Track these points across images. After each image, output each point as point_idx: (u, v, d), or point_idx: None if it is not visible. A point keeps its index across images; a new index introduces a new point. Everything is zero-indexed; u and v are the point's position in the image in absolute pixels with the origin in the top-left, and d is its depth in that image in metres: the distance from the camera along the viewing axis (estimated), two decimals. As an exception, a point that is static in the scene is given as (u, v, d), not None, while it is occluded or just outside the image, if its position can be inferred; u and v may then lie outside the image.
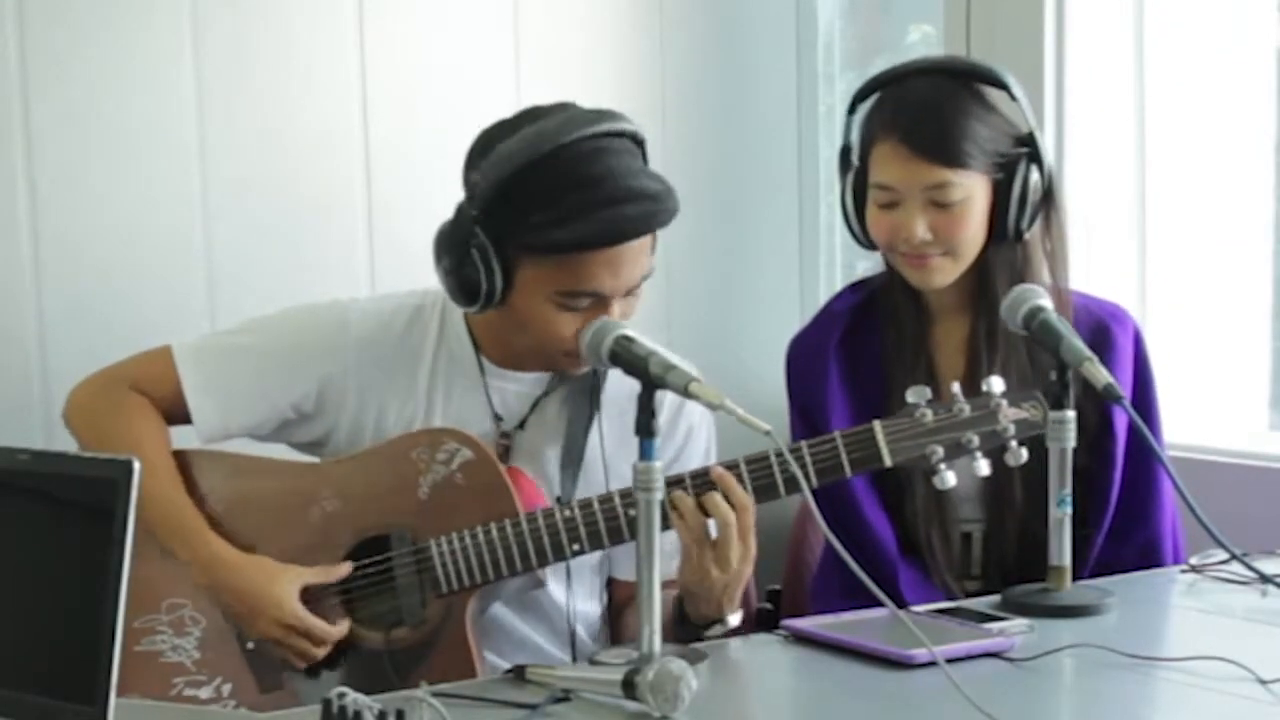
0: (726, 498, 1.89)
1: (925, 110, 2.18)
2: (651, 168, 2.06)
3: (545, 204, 1.95)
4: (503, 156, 1.96)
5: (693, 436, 2.22)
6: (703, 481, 1.92)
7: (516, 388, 2.16)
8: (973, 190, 2.17)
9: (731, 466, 1.94)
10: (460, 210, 2.01)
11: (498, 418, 2.15)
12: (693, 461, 2.22)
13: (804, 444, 1.95)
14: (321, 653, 2.03)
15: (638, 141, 2.04)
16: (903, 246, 2.20)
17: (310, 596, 2.04)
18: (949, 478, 1.93)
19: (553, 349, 2.05)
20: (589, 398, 2.15)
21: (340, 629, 2.04)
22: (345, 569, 2.05)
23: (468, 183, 2.03)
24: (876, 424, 1.95)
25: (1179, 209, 2.90)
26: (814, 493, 1.87)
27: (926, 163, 2.16)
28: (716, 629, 1.97)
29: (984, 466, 1.94)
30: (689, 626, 1.96)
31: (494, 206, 1.97)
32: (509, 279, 2.00)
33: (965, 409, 1.93)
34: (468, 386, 2.15)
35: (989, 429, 1.93)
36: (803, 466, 1.93)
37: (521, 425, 2.15)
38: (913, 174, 2.16)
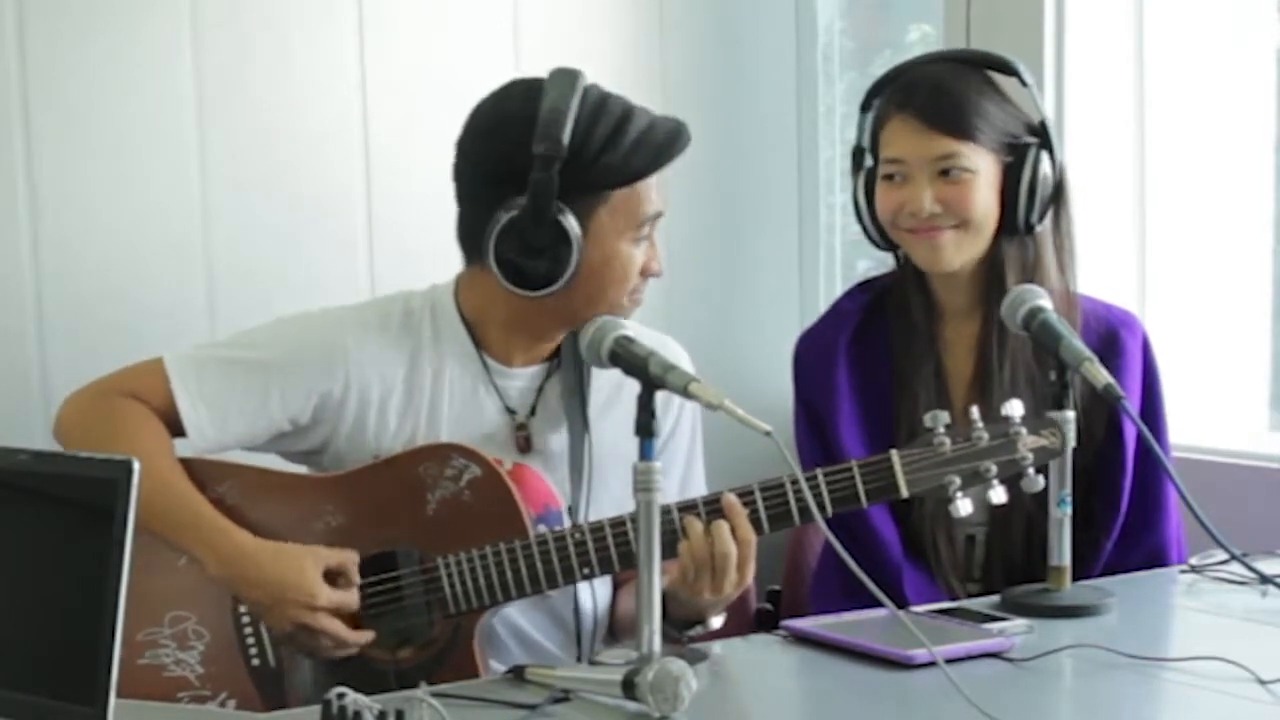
0: (733, 530, 1.89)
1: (935, 86, 2.20)
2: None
3: (610, 144, 2.03)
4: (555, 118, 2.00)
5: (680, 420, 2.23)
6: (714, 508, 1.92)
7: (519, 383, 2.16)
8: (981, 165, 2.18)
9: (746, 493, 1.93)
10: (535, 186, 1.99)
11: (511, 411, 2.15)
12: (681, 440, 2.24)
13: (820, 472, 1.94)
14: (357, 637, 2.00)
15: None
16: (909, 221, 2.20)
17: (329, 579, 2.00)
18: (964, 506, 1.92)
19: (627, 291, 2.10)
20: (579, 381, 2.14)
21: (356, 602, 2.00)
22: (356, 571, 2.01)
23: (520, 156, 2.00)
24: (894, 454, 1.93)
25: (1179, 209, 2.90)
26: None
27: (935, 133, 2.17)
28: (697, 629, 1.99)
29: (1000, 494, 1.92)
30: (669, 623, 1.95)
31: (565, 162, 1.99)
32: (585, 233, 2.04)
33: (984, 437, 1.92)
34: (474, 384, 2.14)
35: (1007, 458, 1.92)
36: (818, 496, 1.92)
37: (533, 413, 2.16)
38: (921, 145, 2.18)
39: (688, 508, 1.93)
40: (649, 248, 2.11)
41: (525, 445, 2.14)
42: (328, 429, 2.14)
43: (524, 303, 2.07)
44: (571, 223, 2.01)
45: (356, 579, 2.01)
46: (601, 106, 2.04)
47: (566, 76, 2.05)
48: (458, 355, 2.15)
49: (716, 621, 2.00)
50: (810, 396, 2.31)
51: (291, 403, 2.12)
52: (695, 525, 1.90)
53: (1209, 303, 2.87)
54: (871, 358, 2.29)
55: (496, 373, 2.15)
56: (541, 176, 1.99)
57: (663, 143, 2.07)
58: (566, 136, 1.99)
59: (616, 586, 2.25)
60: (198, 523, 2.04)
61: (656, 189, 2.09)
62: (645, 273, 2.11)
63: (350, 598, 2.00)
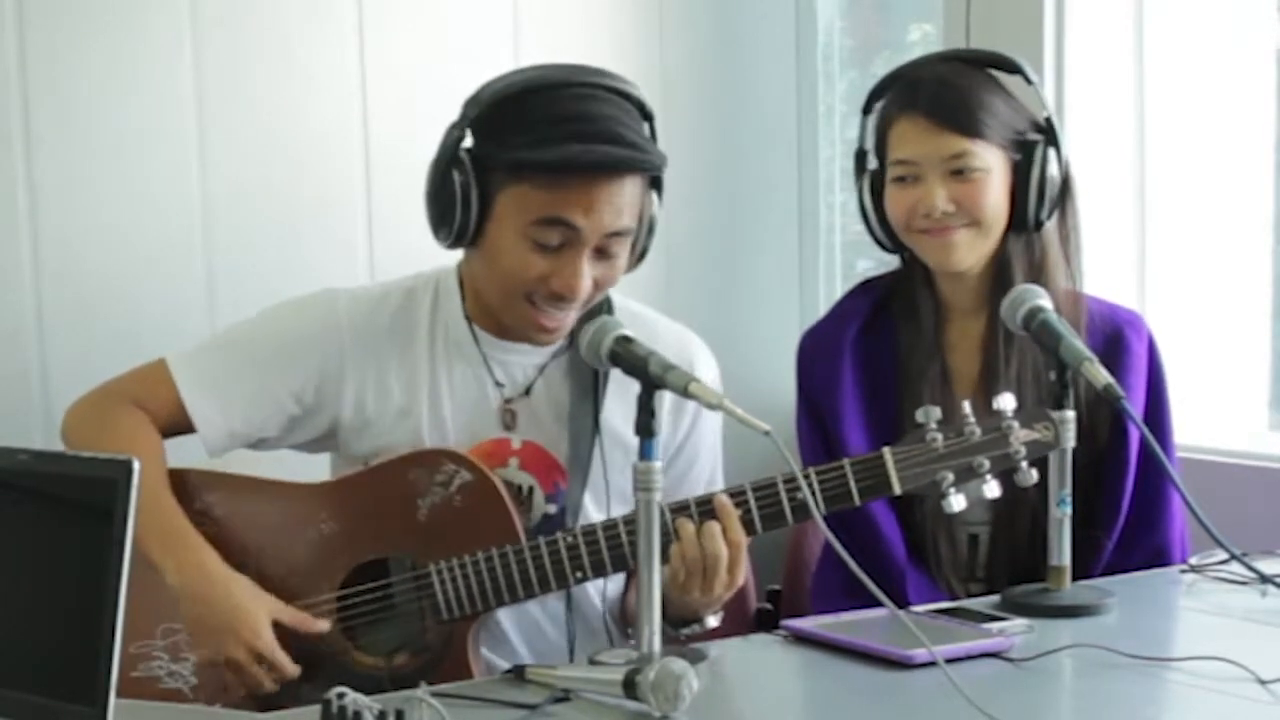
0: (724, 531, 1.89)
1: (941, 85, 2.20)
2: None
3: (528, 128, 1.98)
4: (499, 86, 2.02)
5: (700, 417, 2.21)
6: (706, 510, 1.91)
7: (518, 359, 2.15)
8: (992, 162, 2.18)
9: (738, 493, 1.93)
10: (447, 133, 2.04)
11: (499, 385, 2.14)
12: (705, 440, 2.22)
13: (812, 470, 1.94)
14: (272, 687, 1.99)
15: (645, 113, 2.07)
16: (922, 222, 2.20)
17: (277, 634, 2.00)
18: (958, 502, 1.92)
19: (517, 291, 2.03)
20: (594, 370, 2.11)
21: (295, 670, 1.99)
22: (322, 625, 2.01)
23: (460, 114, 2.05)
24: (887, 451, 1.93)
25: (1179, 209, 2.90)
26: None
27: (946, 132, 2.17)
28: (694, 628, 1.98)
29: (994, 488, 1.93)
30: (665, 622, 1.93)
31: (479, 128, 2.01)
32: (486, 206, 2.01)
33: (976, 432, 1.91)
34: (467, 360, 2.14)
35: (1000, 452, 1.92)
36: (811, 495, 1.90)
37: (528, 392, 2.15)
38: (932, 145, 2.18)
39: (680, 509, 1.92)
40: (560, 264, 2.00)
41: (511, 421, 2.14)
42: (333, 409, 2.13)
43: (475, 278, 2.10)
44: (468, 182, 2.00)
45: (322, 626, 2.01)
46: (565, 99, 1.99)
47: (592, 69, 2.04)
48: (454, 332, 2.15)
49: (713, 620, 1.99)
50: (814, 395, 2.31)
51: (292, 376, 2.12)
52: (687, 526, 1.89)
53: (1209, 302, 2.87)
54: (876, 356, 2.28)
55: (489, 345, 2.14)
56: (450, 127, 2.02)
57: (573, 155, 1.96)
58: (492, 99, 1.99)
59: (629, 579, 2.24)
60: (166, 531, 2.02)
61: (584, 209, 1.97)
62: (550, 290, 2.02)
63: (286, 662, 1.99)
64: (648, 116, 2.07)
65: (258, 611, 1.98)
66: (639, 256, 2.11)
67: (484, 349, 2.14)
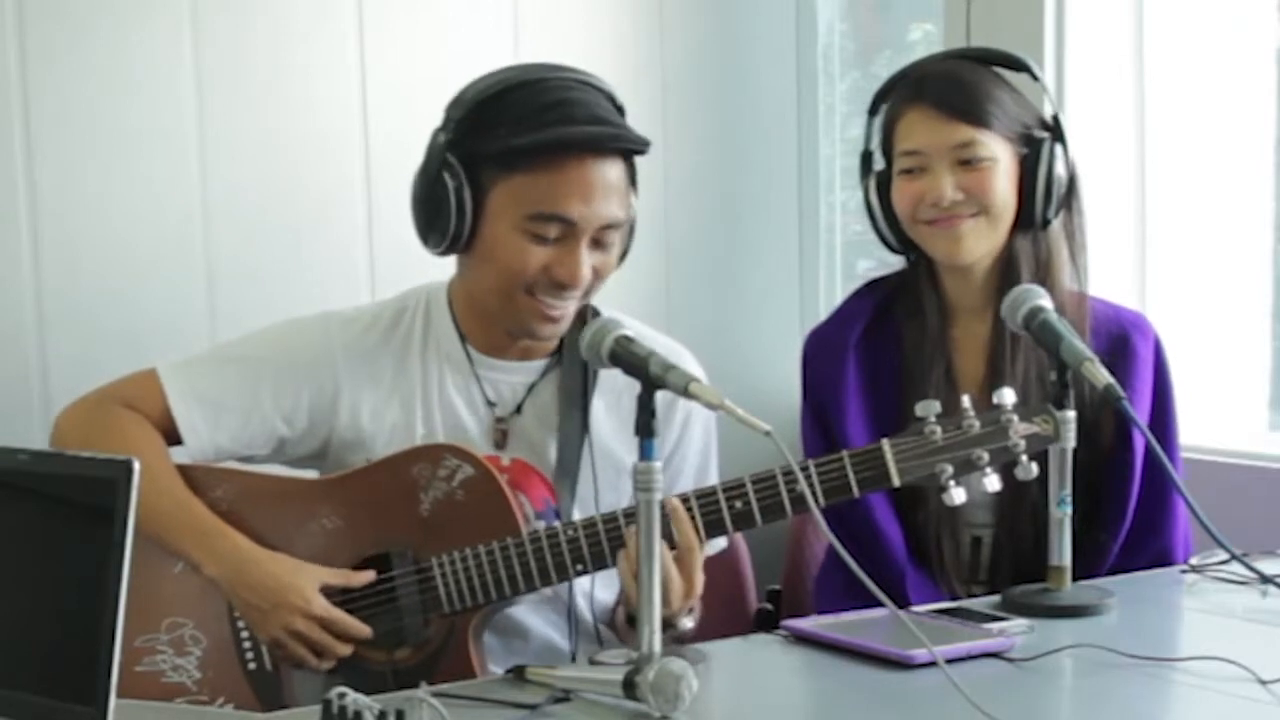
0: (675, 535, 1.88)
1: (949, 78, 2.22)
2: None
3: (513, 119, 2.00)
4: (478, 87, 2.03)
5: (690, 423, 2.22)
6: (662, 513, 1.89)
7: (508, 377, 2.16)
8: (999, 153, 2.18)
9: (736, 485, 1.93)
10: (432, 137, 2.04)
11: (490, 404, 2.15)
12: (691, 449, 2.22)
13: (811, 463, 1.93)
14: (346, 650, 2.00)
15: (618, 106, 2.09)
16: (929, 212, 2.20)
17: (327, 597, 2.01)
18: (958, 495, 1.91)
19: (517, 285, 2.03)
20: (583, 383, 2.14)
21: (366, 628, 2.01)
22: (366, 576, 2.02)
23: (442, 119, 2.06)
24: (885, 443, 1.92)
25: (1179, 209, 2.90)
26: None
27: (953, 121, 2.18)
28: (671, 632, 1.95)
29: (994, 482, 1.92)
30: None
31: (464, 127, 2.01)
32: (479, 207, 2.02)
33: (975, 425, 1.91)
34: (459, 377, 2.15)
35: (999, 445, 1.91)
36: (809, 486, 1.90)
37: (518, 410, 2.15)
38: (939, 134, 2.18)
39: (633, 514, 1.87)
40: (560, 254, 2.01)
41: (501, 440, 2.14)
42: (324, 430, 2.14)
43: (470, 285, 2.09)
44: (460, 183, 2.00)
45: (364, 578, 2.01)
46: (545, 90, 2.01)
47: (563, 65, 2.06)
48: (445, 349, 2.16)
49: (688, 623, 1.98)
50: (818, 395, 2.30)
51: (283, 399, 2.12)
52: (633, 540, 1.84)
53: (1209, 302, 2.87)
54: (880, 357, 2.28)
55: (481, 364, 2.15)
56: (435, 132, 2.03)
57: (564, 137, 1.97)
58: (472, 99, 2.00)
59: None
60: (195, 524, 2.04)
61: (579, 195, 1.99)
62: (553, 279, 2.03)
63: (348, 619, 1.99)
64: (620, 109, 2.09)
65: (302, 580, 1.99)
66: (620, 256, 2.11)
67: (476, 368, 2.15)
